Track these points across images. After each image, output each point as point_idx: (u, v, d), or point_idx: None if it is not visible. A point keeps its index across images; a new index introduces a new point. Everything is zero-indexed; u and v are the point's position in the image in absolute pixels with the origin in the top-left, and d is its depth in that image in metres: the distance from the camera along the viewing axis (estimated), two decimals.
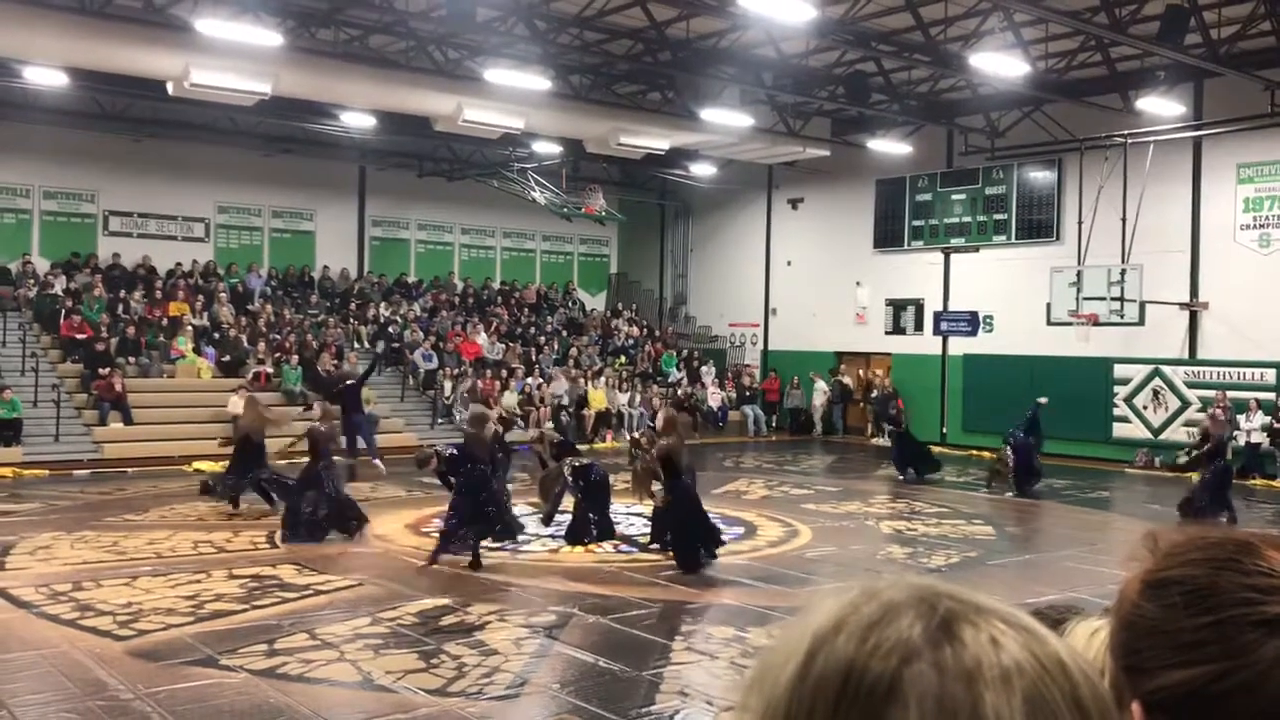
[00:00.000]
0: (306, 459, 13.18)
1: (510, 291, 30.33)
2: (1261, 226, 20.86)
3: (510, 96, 19.59)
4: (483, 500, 11.43)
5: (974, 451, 22.44)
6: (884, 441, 25.84)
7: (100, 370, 21.06)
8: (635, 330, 30.30)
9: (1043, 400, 19.04)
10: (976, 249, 25.19)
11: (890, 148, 24.38)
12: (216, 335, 23.93)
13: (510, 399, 23.83)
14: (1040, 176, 24.07)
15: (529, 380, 25.41)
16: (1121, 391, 22.39)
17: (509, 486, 13.81)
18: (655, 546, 12.28)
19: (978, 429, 23.86)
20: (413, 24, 18.85)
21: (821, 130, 25.17)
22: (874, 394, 26.77)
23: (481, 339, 26.85)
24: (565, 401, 24.87)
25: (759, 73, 21.34)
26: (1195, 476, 20.11)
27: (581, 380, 25.80)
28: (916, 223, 26.24)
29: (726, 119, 21.74)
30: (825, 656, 0.70)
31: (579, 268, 32.65)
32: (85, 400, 20.86)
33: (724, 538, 12.17)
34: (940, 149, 25.56)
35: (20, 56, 18.08)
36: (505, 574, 11.11)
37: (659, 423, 14.13)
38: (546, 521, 13.53)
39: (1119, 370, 22.40)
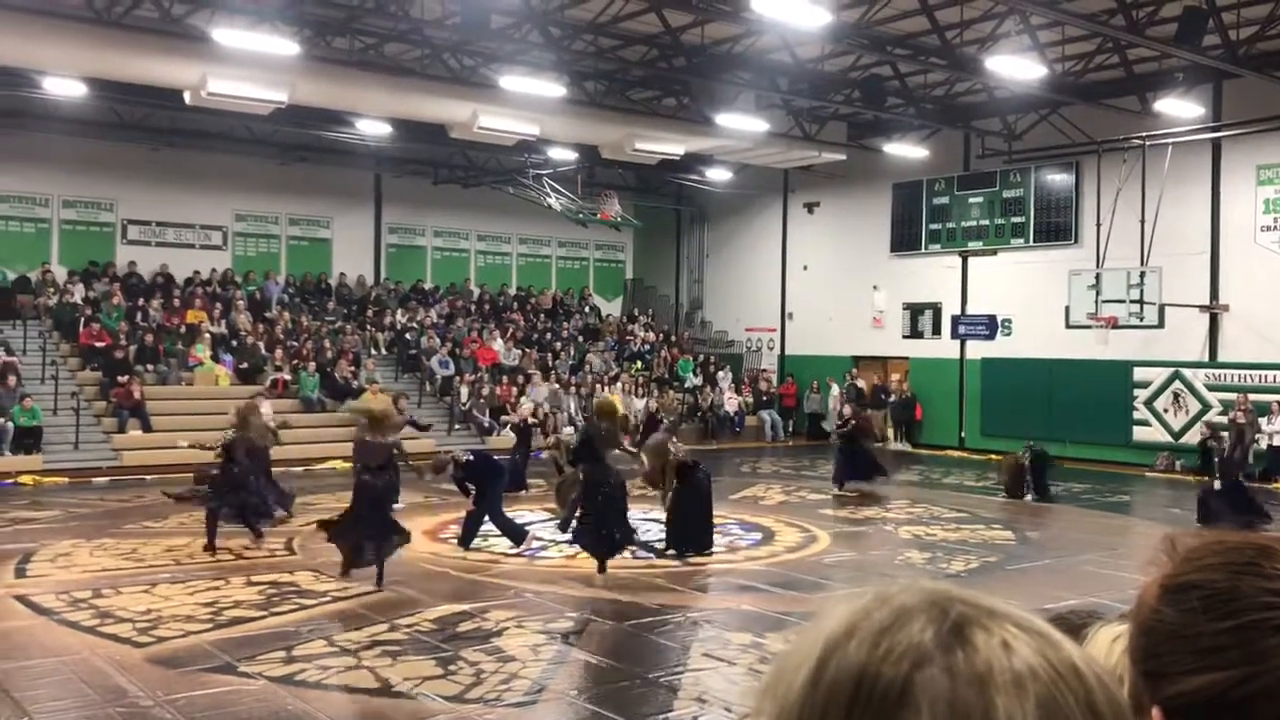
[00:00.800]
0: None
1: (526, 297, 30.39)
2: None
3: (525, 103, 19.64)
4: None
5: (993, 456, 22.33)
6: (903, 446, 25.83)
7: (119, 378, 21.18)
8: (651, 336, 30.31)
9: None
10: (994, 252, 25.10)
11: (906, 151, 24.33)
12: (234, 343, 24.05)
13: (527, 405, 23.83)
14: (1058, 179, 23.97)
15: (545, 387, 25.43)
16: (1141, 395, 22.25)
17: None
18: (672, 553, 12.30)
19: (996, 433, 23.75)
20: (428, 32, 18.92)
21: (837, 134, 25.14)
22: (891, 398, 26.70)
23: (498, 345, 26.91)
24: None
25: (774, 77, 21.33)
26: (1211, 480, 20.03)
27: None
28: (934, 226, 26.17)
29: (742, 124, 21.74)
30: (837, 662, 0.70)
31: (595, 273, 32.68)
32: (104, 408, 20.98)
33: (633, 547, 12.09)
34: (957, 152, 25.48)
35: (39, 67, 18.23)
36: (522, 580, 11.11)
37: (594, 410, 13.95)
38: (563, 528, 13.53)
39: (1139, 373, 22.26)
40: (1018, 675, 0.68)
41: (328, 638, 8.75)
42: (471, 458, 12.00)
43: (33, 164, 24.00)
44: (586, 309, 31.41)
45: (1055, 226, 23.95)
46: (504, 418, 22.42)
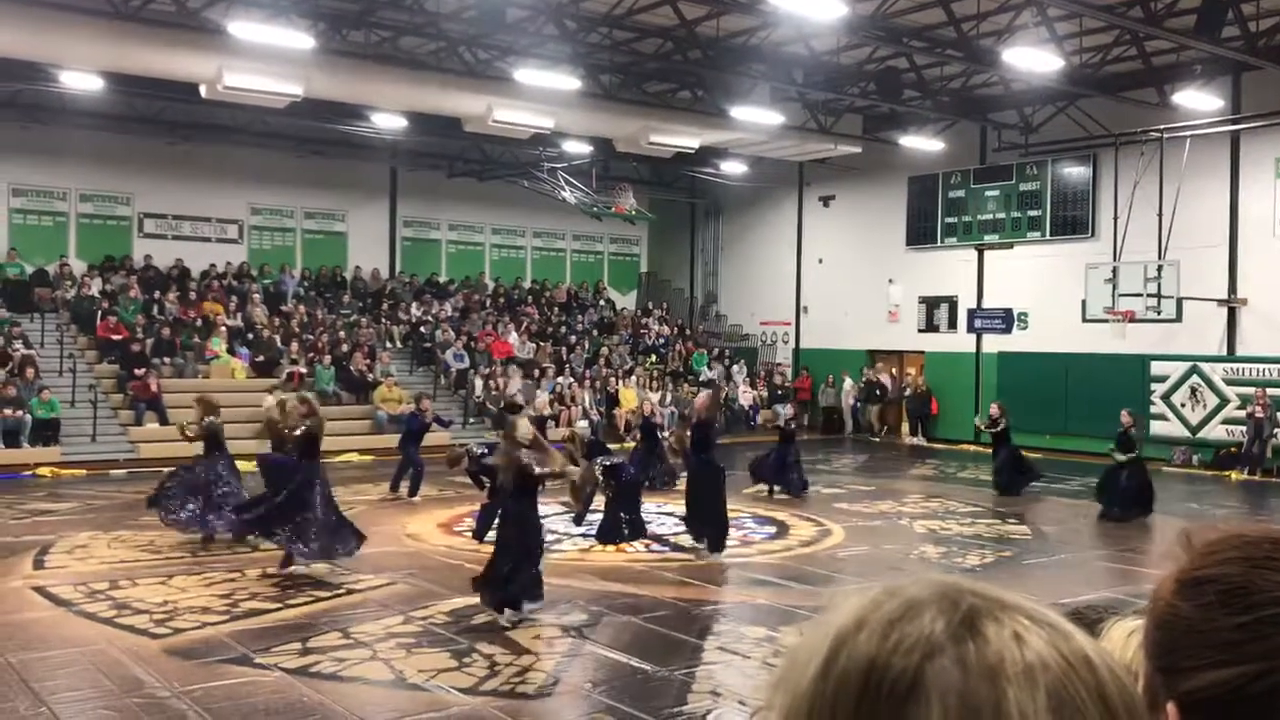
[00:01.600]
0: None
1: (541, 291, 30.41)
2: None
3: (540, 96, 19.63)
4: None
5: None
6: (918, 440, 25.78)
7: (136, 371, 21.30)
8: (666, 329, 30.30)
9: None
10: (1010, 245, 24.99)
11: (922, 144, 24.23)
12: (250, 336, 24.15)
13: (543, 398, 23.88)
14: (1075, 172, 23.84)
15: (559, 380, 25.44)
16: (1159, 389, 22.13)
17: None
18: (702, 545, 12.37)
19: (1012, 427, 23.60)
20: (443, 25, 18.92)
21: (853, 127, 25.06)
22: (907, 392, 26.64)
23: (513, 338, 26.95)
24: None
25: (790, 70, 21.27)
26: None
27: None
28: (950, 219, 26.08)
29: (757, 117, 21.68)
30: (847, 654, 0.70)
31: (609, 267, 32.68)
32: (121, 400, 21.10)
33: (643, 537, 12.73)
34: (973, 145, 25.37)
35: (56, 61, 18.32)
36: None
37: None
38: (578, 521, 13.56)
39: (1156, 367, 22.15)
40: (1029, 666, 0.67)
41: (343, 630, 8.78)
42: (486, 451, 12.01)
43: (50, 158, 24.12)
44: (601, 302, 31.41)
45: (1072, 220, 23.83)
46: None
